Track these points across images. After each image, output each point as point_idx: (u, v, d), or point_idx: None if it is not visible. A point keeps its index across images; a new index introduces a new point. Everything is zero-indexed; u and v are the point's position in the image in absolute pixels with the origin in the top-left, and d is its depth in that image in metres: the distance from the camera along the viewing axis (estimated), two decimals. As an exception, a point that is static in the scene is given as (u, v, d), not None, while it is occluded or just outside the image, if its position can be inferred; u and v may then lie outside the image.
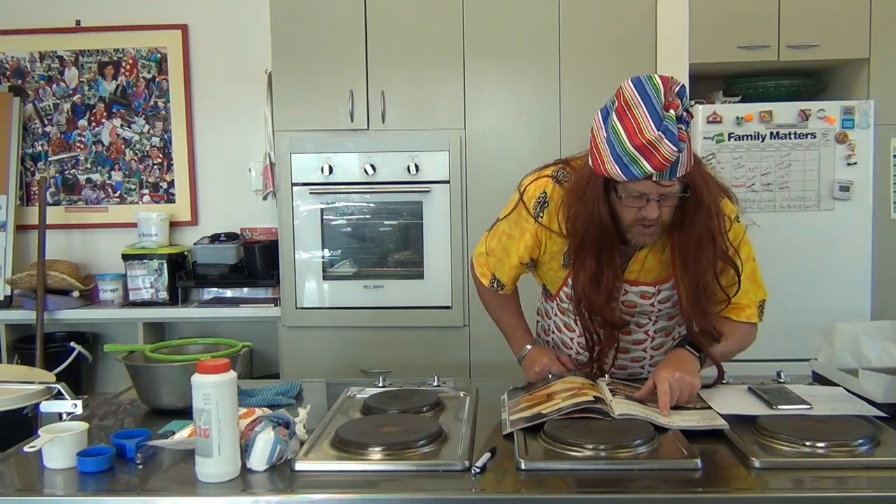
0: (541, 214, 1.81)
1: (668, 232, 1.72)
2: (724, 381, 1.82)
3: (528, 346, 1.96)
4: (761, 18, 3.29)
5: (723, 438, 1.46)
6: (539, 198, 1.81)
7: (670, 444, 1.42)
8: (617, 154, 1.54)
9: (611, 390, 1.68)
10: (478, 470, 1.31)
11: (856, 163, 3.15)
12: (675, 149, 1.50)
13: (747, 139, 3.17)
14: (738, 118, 3.17)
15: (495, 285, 1.96)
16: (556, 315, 2.00)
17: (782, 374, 1.88)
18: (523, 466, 1.33)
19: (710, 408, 1.60)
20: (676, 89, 1.53)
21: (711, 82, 3.57)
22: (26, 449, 1.38)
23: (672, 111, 1.50)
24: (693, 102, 3.28)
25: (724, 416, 1.53)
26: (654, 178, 1.56)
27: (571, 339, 1.97)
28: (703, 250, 1.69)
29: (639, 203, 1.63)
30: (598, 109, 1.64)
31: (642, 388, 1.68)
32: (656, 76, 1.54)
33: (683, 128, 1.52)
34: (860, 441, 1.39)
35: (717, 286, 1.75)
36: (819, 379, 1.87)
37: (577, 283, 1.78)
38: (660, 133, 1.49)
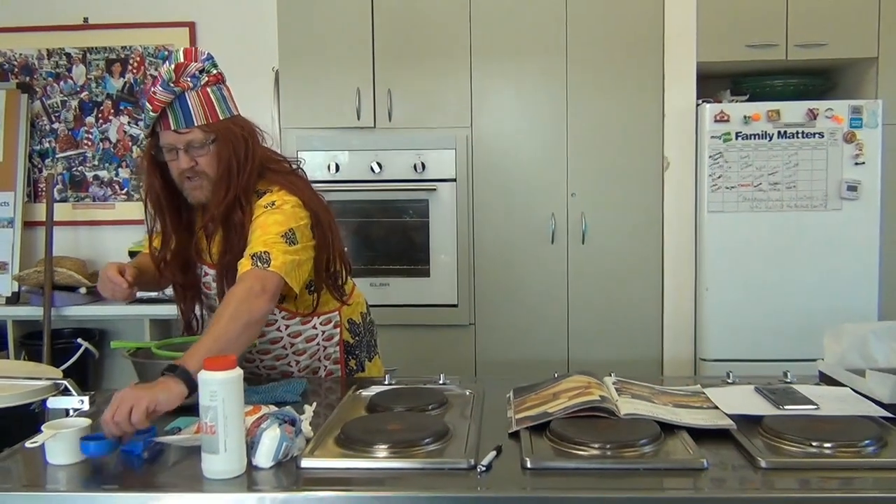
0: None
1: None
2: (730, 382, 1.82)
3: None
4: (769, 17, 3.28)
5: (729, 438, 1.45)
6: None
7: (676, 443, 1.42)
8: (144, 108, 1.82)
9: (617, 389, 1.68)
10: (483, 468, 1.31)
11: (864, 162, 3.14)
12: (165, 91, 1.75)
13: (755, 138, 3.17)
14: (745, 117, 3.16)
15: None
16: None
17: (789, 374, 1.87)
18: (529, 465, 1.33)
19: (716, 407, 1.60)
20: (197, 54, 1.82)
21: (719, 81, 3.56)
22: (28, 444, 1.38)
23: (183, 69, 1.77)
24: (700, 101, 3.28)
25: (731, 416, 1.53)
26: (172, 127, 1.78)
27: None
28: (227, 222, 1.83)
29: (173, 157, 1.82)
30: None
31: None
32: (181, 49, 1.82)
33: (190, 81, 1.78)
34: (867, 442, 1.39)
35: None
36: (826, 379, 1.87)
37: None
38: (163, 84, 1.76)
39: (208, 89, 1.82)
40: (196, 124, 1.80)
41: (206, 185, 1.83)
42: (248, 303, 1.65)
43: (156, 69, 3.99)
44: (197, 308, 2.03)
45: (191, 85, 1.79)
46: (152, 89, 1.77)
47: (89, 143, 4.05)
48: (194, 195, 1.86)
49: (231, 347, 1.55)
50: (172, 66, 1.77)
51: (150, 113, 1.79)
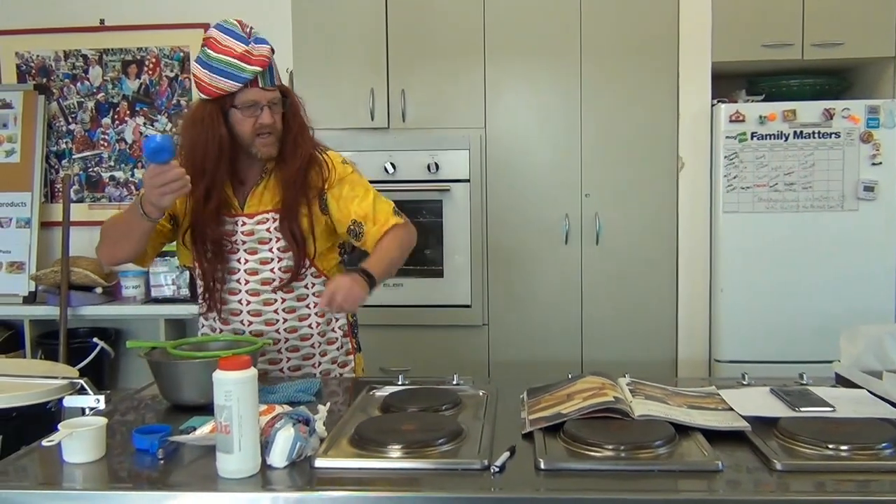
0: None
1: (276, 165, 2.01)
2: (745, 383, 1.81)
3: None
4: (785, 16, 3.26)
5: (744, 440, 1.44)
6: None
7: (691, 445, 1.41)
8: (222, 70, 1.87)
9: (631, 390, 1.68)
10: (497, 469, 1.31)
11: (881, 163, 3.12)
12: (268, 47, 1.92)
13: (770, 138, 3.15)
14: (761, 117, 3.14)
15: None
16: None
17: (805, 375, 1.86)
18: (543, 466, 1.33)
19: (731, 409, 1.59)
20: (250, 27, 1.95)
21: (734, 81, 3.54)
22: (45, 443, 1.39)
23: (252, 33, 1.93)
24: (716, 101, 3.26)
25: (746, 418, 1.52)
26: (259, 85, 1.91)
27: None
28: (306, 177, 2.01)
29: (254, 113, 1.93)
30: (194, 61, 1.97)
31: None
32: (231, 19, 1.97)
33: (266, 46, 1.93)
34: (884, 444, 1.37)
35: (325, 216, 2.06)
36: (842, 381, 1.85)
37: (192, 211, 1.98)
38: (251, 43, 1.90)
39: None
40: (276, 84, 1.97)
41: (275, 140, 1.98)
42: (410, 240, 2.12)
43: (171, 70, 4.01)
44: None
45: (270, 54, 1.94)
46: (248, 47, 1.89)
47: (105, 144, 4.08)
48: (265, 150, 1.97)
49: (394, 270, 2.06)
50: (248, 29, 1.94)
51: (253, 67, 1.88)
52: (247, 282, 2.04)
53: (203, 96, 1.94)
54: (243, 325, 2.06)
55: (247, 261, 2.03)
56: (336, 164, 2.09)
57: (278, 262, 2.03)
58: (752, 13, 3.28)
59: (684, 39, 3.30)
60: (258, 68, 1.89)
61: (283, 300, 2.05)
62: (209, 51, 1.90)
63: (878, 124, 3.11)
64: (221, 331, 2.09)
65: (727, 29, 3.27)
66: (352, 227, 2.06)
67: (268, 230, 2.02)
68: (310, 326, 2.09)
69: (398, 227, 2.08)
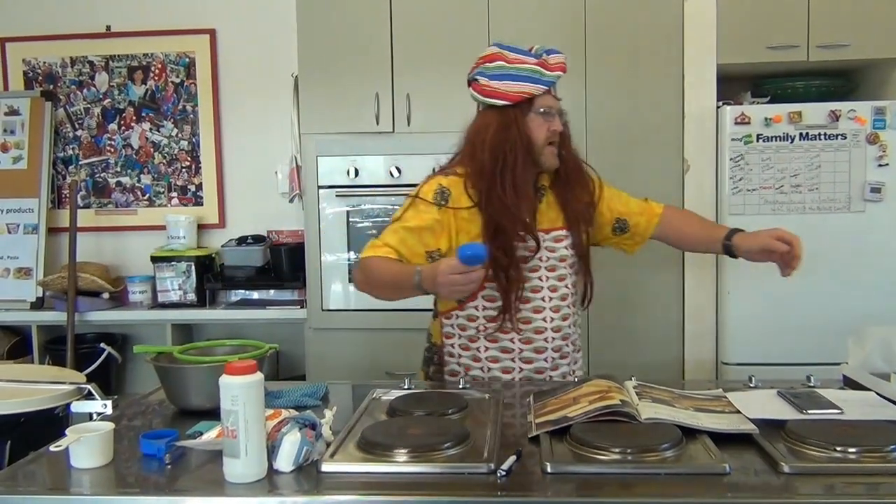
0: (443, 202, 1.98)
1: (552, 185, 2.06)
2: (752, 386, 1.81)
3: (419, 267, 1.83)
4: (790, 18, 3.25)
5: (751, 443, 1.44)
6: (437, 190, 2.00)
7: (698, 448, 1.41)
8: (525, 76, 1.93)
9: (637, 393, 1.67)
10: (503, 473, 1.31)
11: (887, 164, 3.11)
12: (563, 55, 1.99)
13: (776, 140, 3.14)
14: (766, 119, 3.13)
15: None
16: (482, 313, 2.03)
17: (812, 378, 1.85)
18: (549, 469, 1.33)
19: (738, 412, 1.58)
20: (532, 46, 2.01)
21: (739, 83, 3.53)
22: (52, 448, 1.40)
23: (535, 50, 1.99)
24: (721, 103, 3.26)
25: (753, 420, 1.51)
26: (552, 92, 1.98)
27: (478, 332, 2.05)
28: (581, 184, 2.07)
29: (548, 119, 1.96)
30: (470, 78, 2.05)
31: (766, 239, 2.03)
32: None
33: (560, 55, 2.00)
34: (892, 447, 1.37)
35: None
36: (850, 383, 1.85)
37: (492, 208, 1.93)
38: (542, 55, 1.97)
39: None
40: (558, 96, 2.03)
41: (557, 151, 2.02)
42: None
43: (177, 76, 4.03)
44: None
45: None
46: (539, 60, 1.96)
47: (112, 150, 4.09)
48: (550, 160, 2.01)
49: None
50: (531, 48, 2.01)
51: (554, 73, 1.96)
52: (550, 298, 2.04)
53: (501, 103, 1.96)
54: (547, 342, 2.04)
55: (547, 278, 2.04)
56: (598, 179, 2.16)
57: (571, 278, 2.08)
58: (758, 15, 3.27)
59: (689, 42, 3.29)
60: (559, 73, 1.97)
61: (575, 314, 2.11)
62: (501, 63, 1.96)
63: (885, 125, 3.10)
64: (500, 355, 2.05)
65: (732, 31, 3.26)
66: (616, 224, 2.18)
67: (565, 247, 2.06)
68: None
69: (668, 207, 2.24)
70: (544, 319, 2.02)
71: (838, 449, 1.37)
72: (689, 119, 3.30)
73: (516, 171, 1.93)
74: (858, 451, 1.36)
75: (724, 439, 1.44)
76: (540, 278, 2.02)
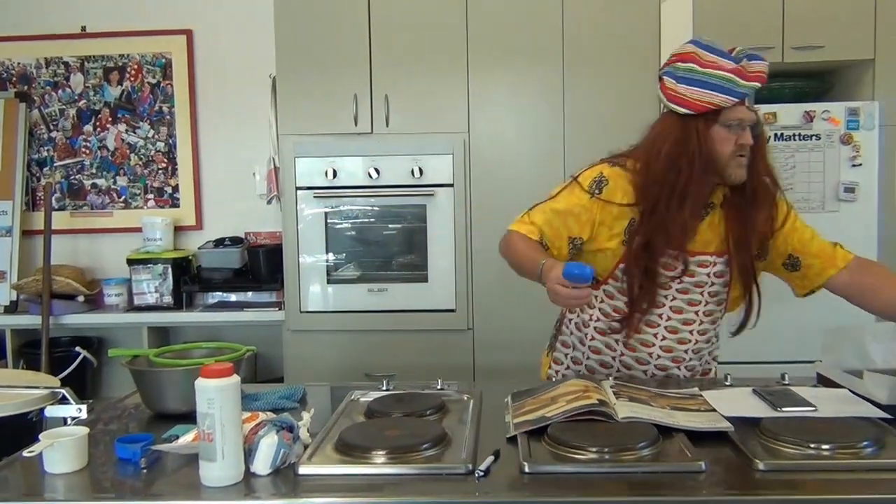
0: (597, 191, 1.90)
1: (724, 205, 1.88)
2: (727, 384, 1.83)
3: (543, 260, 1.79)
4: (765, 20, 3.29)
5: (727, 441, 1.45)
6: (595, 178, 1.92)
7: (674, 446, 1.42)
8: (716, 85, 1.77)
9: (614, 393, 1.68)
10: (481, 473, 1.31)
11: (861, 164, 3.14)
12: (765, 63, 1.80)
13: (751, 141, 3.16)
14: (742, 120, 3.16)
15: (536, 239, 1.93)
16: (598, 304, 1.98)
17: (786, 375, 1.87)
18: (527, 469, 1.33)
19: (714, 410, 1.60)
20: (734, 48, 1.82)
21: (715, 84, 3.56)
22: (26, 454, 1.38)
23: (737, 52, 1.81)
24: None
25: (729, 418, 1.53)
26: (746, 104, 1.79)
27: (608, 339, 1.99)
28: (762, 209, 1.87)
29: (736, 133, 1.80)
30: (660, 75, 1.88)
31: None
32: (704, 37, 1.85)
33: (762, 62, 1.81)
34: (865, 443, 1.39)
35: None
36: (823, 381, 1.87)
37: (651, 223, 1.83)
38: (743, 60, 1.78)
39: None
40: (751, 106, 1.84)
41: (745, 164, 1.84)
42: None
43: (153, 77, 4.00)
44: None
45: None
46: (739, 65, 1.78)
47: (87, 152, 4.06)
48: (738, 173, 1.83)
49: None
50: (733, 49, 1.82)
51: (750, 84, 1.78)
52: (668, 318, 1.94)
53: (683, 110, 1.81)
54: (651, 358, 1.97)
55: (674, 297, 1.92)
56: (788, 210, 1.96)
57: (705, 305, 1.94)
58: (733, 17, 3.30)
59: (666, 43, 3.31)
60: (756, 84, 1.79)
61: (697, 342, 1.97)
62: (693, 65, 1.80)
63: (858, 126, 3.14)
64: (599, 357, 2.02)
65: (708, 32, 3.25)
66: (788, 259, 1.99)
67: (707, 274, 1.90)
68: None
69: (860, 260, 1.99)
70: (655, 336, 1.94)
71: (812, 446, 1.39)
72: (665, 120, 3.31)
73: (689, 188, 1.80)
74: (832, 447, 1.38)
75: (700, 437, 1.45)
76: (665, 297, 1.91)
